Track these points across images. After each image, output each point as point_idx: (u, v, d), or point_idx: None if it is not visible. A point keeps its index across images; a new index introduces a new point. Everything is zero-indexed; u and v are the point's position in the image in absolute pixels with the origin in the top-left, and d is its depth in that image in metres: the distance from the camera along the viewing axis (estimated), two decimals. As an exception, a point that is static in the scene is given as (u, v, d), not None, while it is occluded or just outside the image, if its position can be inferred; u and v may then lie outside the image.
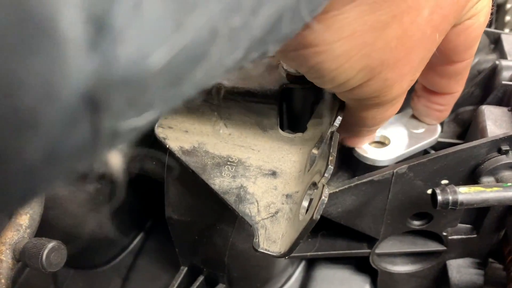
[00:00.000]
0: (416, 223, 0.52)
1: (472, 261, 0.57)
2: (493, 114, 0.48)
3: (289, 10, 0.20)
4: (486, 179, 0.45)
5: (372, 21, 0.28)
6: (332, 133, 0.37)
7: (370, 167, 0.50)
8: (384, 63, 0.31)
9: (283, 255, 0.36)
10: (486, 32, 0.55)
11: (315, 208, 0.32)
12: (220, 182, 0.40)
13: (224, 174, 0.41)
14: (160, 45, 0.15)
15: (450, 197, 0.43)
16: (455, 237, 0.54)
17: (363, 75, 0.31)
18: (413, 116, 0.52)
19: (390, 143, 0.50)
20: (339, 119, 0.38)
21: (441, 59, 0.43)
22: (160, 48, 0.15)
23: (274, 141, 0.44)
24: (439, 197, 0.43)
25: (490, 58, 0.53)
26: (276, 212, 0.39)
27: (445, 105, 0.49)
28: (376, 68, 0.31)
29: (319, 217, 0.32)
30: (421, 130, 0.51)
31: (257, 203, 0.39)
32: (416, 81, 0.47)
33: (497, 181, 0.45)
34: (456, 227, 0.54)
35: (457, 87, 0.47)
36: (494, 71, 0.51)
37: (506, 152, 0.44)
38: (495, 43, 0.55)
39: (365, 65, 0.30)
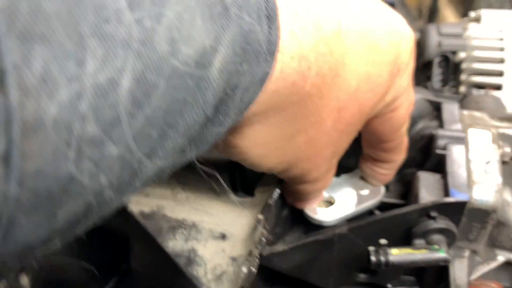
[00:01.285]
0: (362, 276, 0.57)
1: (418, 311, 0.61)
2: (426, 181, 0.53)
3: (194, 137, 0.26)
4: (418, 241, 0.50)
5: (280, 134, 0.34)
6: (269, 205, 0.42)
7: (318, 225, 0.55)
8: (298, 159, 0.38)
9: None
10: (429, 101, 0.61)
11: (245, 279, 0.36)
12: (173, 244, 0.45)
13: (178, 237, 0.46)
14: None
15: (382, 258, 0.48)
16: (399, 288, 0.59)
17: (282, 166, 0.38)
18: (360, 178, 0.58)
19: (336, 203, 0.55)
20: (277, 191, 0.43)
21: (375, 140, 0.49)
22: None
23: (227, 205, 0.49)
24: (372, 258, 0.48)
25: (432, 125, 0.59)
26: (221, 274, 0.44)
27: (389, 170, 0.54)
28: (291, 162, 0.38)
29: (248, 286, 0.36)
30: (366, 192, 0.56)
31: (205, 265, 0.44)
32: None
33: (427, 243, 0.50)
34: (402, 279, 0.59)
35: (396, 157, 0.52)
36: (431, 139, 0.56)
37: (434, 218, 0.49)
38: (437, 110, 0.60)
39: (281, 161, 0.38)
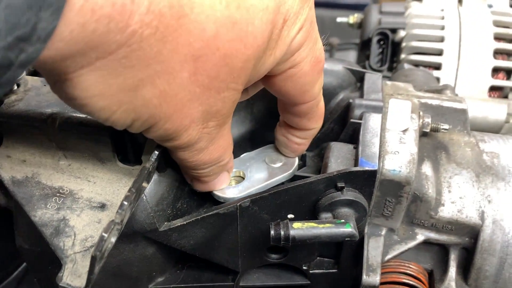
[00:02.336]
0: (274, 256, 0.53)
1: (338, 296, 0.57)
2: (338, 151, 0.49)
3: None
4: (324, 215, 0.46)
5: (118, 84, 0.30)
6: (143, 168, 0.37)
7: (228, 203, 0.50)
8: (155, 117, 0.33)
9: (83, 290, 0.35)
10: (352, 71, 0.57)
11: (96, 246, 0.32)
12: (42, 214, 0.40)
13: (49, 206, 0.41)
14: None
15: (282, 232, 0.43)
16: (317, 271, 0.54)
17: (140, 124, 0.34)
18: (273, 151, 0.53)
19: (247, 178, 0.51)
20: (155, 153, 0.39)
21: (286, 101, 0.45)
22: None
23: (113, 173, 0.44)
24: (272, 232, 0.43)
25: (353, 96, 0.55)
26: (91, 246, 0.39)
27: (303, 140, 0.50)
28: (148, 120, 0.33)
29: (98, 253, 0.32)
30: (278, 165, 0.52)
31: (74, 236, 0.39)
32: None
33: (334, 217, 0.46)
34: (318, 261, 0.55)
35: (310, 125, 0.48)
36: (347, 108, 0.52)
37: (341, 189, 0.45)
38: (361, 81, 0.57)
39: (134, 117, 0.33)
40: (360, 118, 0.50)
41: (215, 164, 0.44)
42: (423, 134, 0.51)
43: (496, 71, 0.75)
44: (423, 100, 0.53)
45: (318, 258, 0.55)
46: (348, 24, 0.90)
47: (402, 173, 0.45)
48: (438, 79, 0.74)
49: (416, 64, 0.75)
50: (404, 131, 0.48)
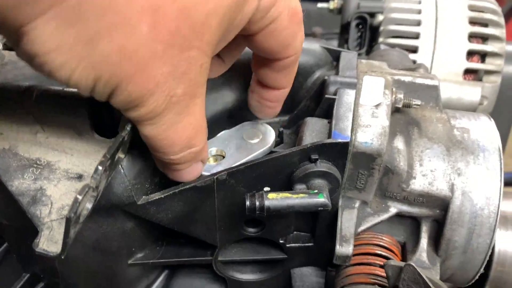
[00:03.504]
0: (251, 230, 0.54)
1: (314, 270, 0.58)
2: (313, 125, 0.50)
3: None
4: (298, 186, 0.47)
5: (74, 35, 0.29)
6: (118, 136, 0.38)
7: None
8: (116, 76, 0.32)
9: (58, 256, 0.36)
10: (329, 50, 0.58)
11: (70, 208, 0.32)
12: (18, 184, 0.41)
13: (26, 176, 0.41)
14: None
15: (257, 203, 0.44)
16: (293, 245, 0.56)
17: (102, 85, 0.32)
18: (251, 127, 0.54)
19: (226, 156, 0.52)
20: (129, 124, 0.39)
21: (269, 57, 0.46)
22: None
23: (90, 145, 0.45)
24: (247, 202, 0.45)
25: (329, 74, 0.56)
26: (68, 214, 0.39)
27: (276, 102, 0.51)
28: (110, 81, 0.32)
29: (72, 215, 0.32)
30: (256, 140, 0.53)
31: (51, 205, 0.40)
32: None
33: (308, 188, 0.47)
34: (295, 235, 0.56)
35: (285, 83, 0.49)
36: (323, 85, 0.53)
37: (315, 161, 0.46)
38: (337, 60, 0.58)
39: (95, 76, 0.32)
40: (335, 94, 0.51)
41: (186, 149, 0.42)
42: (396, 110, 0.53)
43: (470, 54, 0.76)
44: (396, 77, 0.54)
45: (294, 232, 0.56)
46: (328, 10, 0.91)
47: (373, 145, 0.47)
48: (414, 62, 0.75)
49: (394, 47, 0.76)
50: (377, 106, 0.50)
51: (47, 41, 0.29)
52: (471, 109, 0.75)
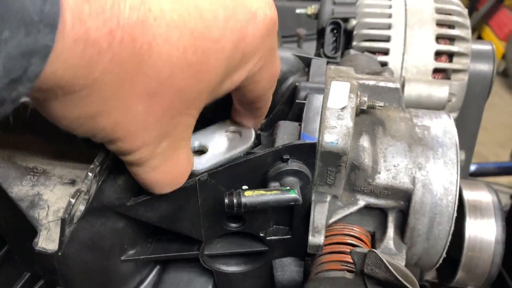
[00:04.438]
0: (233, 225, 0.58)
1: (294, 260, 0.63)
2: (285, 128, 0.55)
3: None
4: (272, 184, 0.52)
5: (78, 113, 0.35)
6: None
7: (191, 175, 0.56)
8: (109, 137, 0.38)
9: (56, 253, 0.41)
10: (300, 58, 0.63)
11: (65, 210, 0.37)
12: (18, 190, 0.45)
13: (25, 183, 0.46)
14: None
15: (235, 200, 0.49)
16: (273, 237, 0.60)
17: (98, 139, 0.39)
18: (232, 124, 0.59)
19: (208, 151, 0.57)
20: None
21: (245, 102, 0.52)
22: None
23: (82, 154, 0.49)
24: (226, 200, 0.49)
25: (302, 80, 0.61)
26: (63, 216, 0.44)
27: (258, 119, 0.56)
28: (104, 139, 0.39)
29: (67, 216, 0.37)
30: (236, 139, 0.58)
31: (48, 208, 0.44)
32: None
33: (281, 185, 0.52)
34: (274, 229, 0.61)
35: (261, 111, 0.55)
36: (294, 91, 0.58)
37: (286, 161, 0.51)
38: (308, 66, 0.63)
39: (92, 135, 0.38)
40: (305, 99, 0.56)
41: (170, 187, 0.49)
42: (362, 111, 0.58)
43: (438, 54, 0.81)
44: (361, 81, 0.59)
45: (274, 226, 0.61)
46: (306, 15, 0.96)
47: (339, 145, 0.52)
48: (386, 63, 0.80)
49: (367, 50, 0.81)
50: (343, 109, 0.54)
51: (56, 112, 0.36)
52: (440, 105, 0.80)
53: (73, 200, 0.37)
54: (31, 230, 0.47)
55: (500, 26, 3.85)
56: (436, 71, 0.81)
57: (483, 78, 0.86)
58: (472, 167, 1.90)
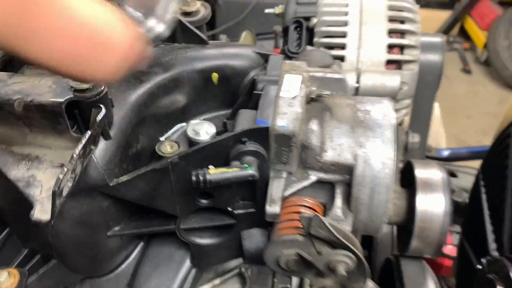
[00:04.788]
0: (203, 201, 0.67)
1: (260, 230, 0.73)
2: (245, 116, 0.64)
3: None
4: (234, 163, 0.61)
5: None
6: (86, 133, 0.51)
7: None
8: None
9: (49, 222, 0.49)
10: (260, 54, 0.72)
11: (54, 184, 0.46)
12: (15, 173, 0.54)
13: (21, 167, 0.55)
14: None
15: (201, 178, 0.58)
16: (240, 211, 0.69)
17: None
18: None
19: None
20: (97, 122, 0.53)
21: None
22: None
23: (69, 142, 0.58)
24: (193, 178, 0.58)
25: (260, 73, 0.70)
26: (55, 192, 0.52)
27: None
28: None
29: (56, 189, 0.46)
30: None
31: (41, 187, 0.53)
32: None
33: (241, 164, 0.61)
34: (241, 204, 0.70)
35: None
36: (253, 83, 0.67)
37: (244, 142, 0.60)
38: (267, 62, 0.72)
39: None
40: (262, 90, 0.65)
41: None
42: (311, 100, 0.67)
43: (391, 47, 0.90)
44: (311, 74, 0.68)
45: (241, 202, 0.70)
46: (274, 15, 1.05)
47: (289, 128, 0.61)
48: (343, 57, 0.89)
49: (326, 46, 0.90)
50: (294, 98, 0.63)
51: None
52: (393, 93, 0.89)
53: (61, 176, 0.46)
54: (27, 208, 0.56)
55: (481, 16, 3.96)
56: (389, 62, 0.90)
57: (433, 68, 0.95)
58: (446, 153, 2.01)
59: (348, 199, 0.66)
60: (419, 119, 0.97)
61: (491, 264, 0.83)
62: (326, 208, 0.67)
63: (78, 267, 0.69)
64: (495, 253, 0.87)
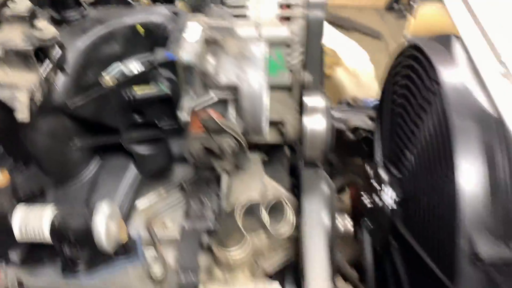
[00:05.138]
0: (137, 117, 0.96)
1: (182, 139, 1.02)
2: (162, 53, 0.92)
3: None
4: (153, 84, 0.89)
5: None
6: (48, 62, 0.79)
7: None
8: None
9: (27, 124, 0.77)
10: (174, 12, 1.00)
11: (31, 92, 0.73)
12: (1, 93, 0.81)
13: (5, 91, 0.81)
14: None
15: (130, 96, 0.87)
16: (167, 126, 0.98)
17: None
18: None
19: None
20: (57, 52, 0.80)
21: None
22: None
23: (37, 74, 0.85)
24: (123, 95, 0.87)
25: (174, 25, 0.98)
26: (31, 105, 0.80)
27: None
28: None
29: (31, 100, 0.73)
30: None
31: (21, 101, 0.80)
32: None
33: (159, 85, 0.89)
34: (167, 120, 0.98)
35: None
36: (168, 32, 0.95)
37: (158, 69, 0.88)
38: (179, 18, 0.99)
39: None
40: (173, 35, 0.93)
41: None
42: (209, 41, 0.95)
43: (281, 7, 1.19)
44: (208, 23, 0.96)
45: (166, 118, 0.98)
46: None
47: (191, 60, 0.89)
48: (246, 15, 1.18)
49: (235, 6, 1.18)
50: (195, 39, 0.92)
51: None
52: (286, 41, 1.18)
53: (35, 89, 0.73)
54: (14, 122, 0.83)
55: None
56: (282, 18, 1.19)
57: (318, 21, 1.24)
58: (372, 103, 2.34)
59: (237, 110, 0.96)
60: (311, 61, 1.26)
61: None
62: (225, 117, 0.97)
63: (50, 171, 0.97)
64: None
